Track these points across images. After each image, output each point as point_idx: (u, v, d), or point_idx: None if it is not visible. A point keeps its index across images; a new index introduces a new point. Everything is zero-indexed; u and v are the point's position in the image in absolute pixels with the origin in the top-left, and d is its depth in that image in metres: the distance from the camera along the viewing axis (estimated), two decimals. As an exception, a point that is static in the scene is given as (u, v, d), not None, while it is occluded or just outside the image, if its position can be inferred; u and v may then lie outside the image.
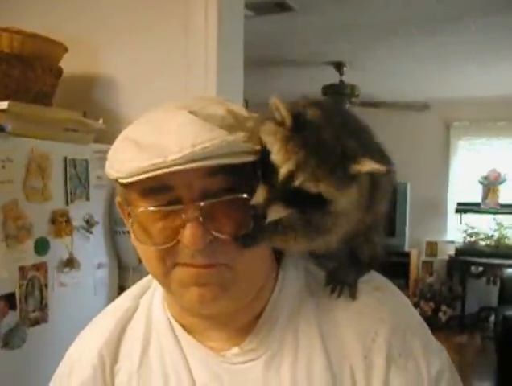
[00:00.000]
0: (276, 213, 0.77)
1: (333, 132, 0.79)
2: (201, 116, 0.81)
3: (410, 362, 0.89)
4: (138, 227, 0.85)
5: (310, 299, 0.94)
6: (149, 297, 1.02)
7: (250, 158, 0.80)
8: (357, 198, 0.80)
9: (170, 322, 0.97)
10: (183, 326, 0.96)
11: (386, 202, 0.93)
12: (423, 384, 0.88)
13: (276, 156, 0.77)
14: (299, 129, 0.78)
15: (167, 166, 0.75)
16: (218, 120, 0.82)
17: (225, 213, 0.82)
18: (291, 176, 0.76)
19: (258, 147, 0.80)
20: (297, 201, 0.77)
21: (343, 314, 0.92)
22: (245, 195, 0.80)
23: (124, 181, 0.81)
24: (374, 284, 0.96)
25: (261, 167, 0.80)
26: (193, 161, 0.75)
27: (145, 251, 0.87)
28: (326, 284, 0.94)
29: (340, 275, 0.94)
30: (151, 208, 0.82)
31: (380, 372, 0.87)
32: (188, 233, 0.79)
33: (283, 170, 0.76)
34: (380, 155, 0.89)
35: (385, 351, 0.88)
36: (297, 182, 0.76)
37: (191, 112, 0.82)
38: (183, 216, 0.80)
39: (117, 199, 0.91)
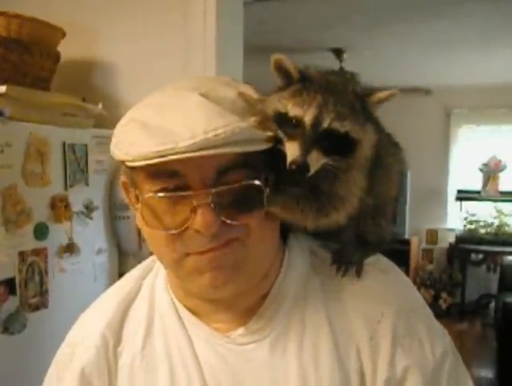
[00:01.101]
0: (316, 160, 0.77)
1: (339, 78, 0.81)
2: (212, 99, 0.80)
3: (414, 343, 0.89)
4: (147, 211, 0.83)
5: (315, 280, 0.93)
6: (151, 279, 1.01)
7: (262, 146, 0.80)
8: (373, 139, 0.81)
9: (173, 303, 0.96)
10: (187, 308, 0.95)
11: (392, 186, 0.93)
12: (428, 366, 0.88)
13: (294, 109, 0.77)
14: (306, 80, 0.79)
15: (178, 153, 0.74)
16: (229, 103, 0.80)
17: (236, 199, 0.81)
18: (317, 121, 0.76)
19: (270, 133, 0.80)
20: (329, 147, 0.77)
21: (349, 297, 0.91)
22: (257, 182, 0.80)
23: (131, 164, 0.80)
24: (380, 266, 0.96)
25: (282, 132, 0.79)
26: (204, 148, 0.74)
27: (153, 235, 0.85)
28: (332, 263, 0.94)
29: (346, 254, 0.93)
30: (161, 194, 0.80)
31: (385, 354, 0.87)
32: (200, 219, 0.79)
33: (308, 117, 0.76)
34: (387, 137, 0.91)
35: (390, 332, 0.88)
36: (325, 124, 0.76)
37: (202, 95, 0.80)
38: (195, 202, 0.79)
39: (122, 178, 0.90)
